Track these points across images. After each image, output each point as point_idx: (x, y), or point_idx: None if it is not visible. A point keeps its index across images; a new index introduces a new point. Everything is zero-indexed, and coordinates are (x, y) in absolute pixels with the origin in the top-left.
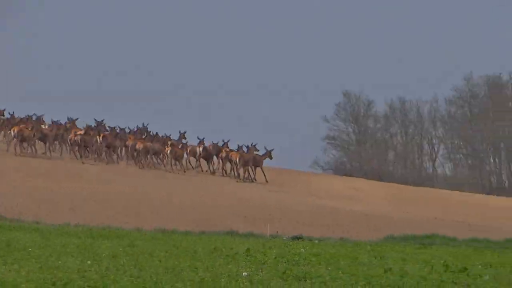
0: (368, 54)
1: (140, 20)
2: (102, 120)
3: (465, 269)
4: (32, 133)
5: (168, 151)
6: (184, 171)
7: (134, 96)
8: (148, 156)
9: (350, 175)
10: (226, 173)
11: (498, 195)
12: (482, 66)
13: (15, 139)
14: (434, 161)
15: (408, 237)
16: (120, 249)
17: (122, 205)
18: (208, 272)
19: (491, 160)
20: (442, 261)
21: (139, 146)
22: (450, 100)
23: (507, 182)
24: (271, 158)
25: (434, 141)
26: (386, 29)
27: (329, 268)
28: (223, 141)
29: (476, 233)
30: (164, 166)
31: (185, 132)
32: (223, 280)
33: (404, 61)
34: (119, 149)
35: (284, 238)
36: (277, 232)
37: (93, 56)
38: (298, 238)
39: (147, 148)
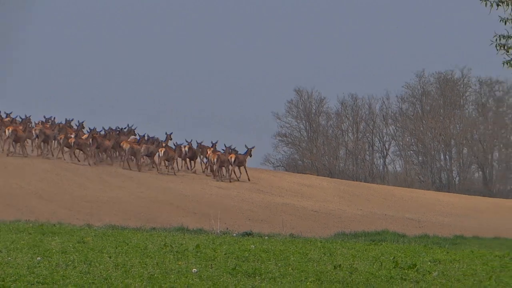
0: (320, 51)
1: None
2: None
3: (414, 265)
4: (25, 134)
5: (162, 152)
6: (175, 173)
7: None
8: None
9: (302, 172)
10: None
11: (448, 191)
12: (433, 63)
13: (9, 138)
14: (385, 158)
15: (359, 234)
16: (70, 245)
17: (72, 202)
18: (158, 268)
19: (442, 157)
20: (391, 258)
21: (137, 147)
22: (402, 97)
23: (457, 179)
24: (251, 156)
25: (385, 138)
26: (338, 26)
27: (279, 264)
28: (211, 142)
29: (426, 230)
30: (157, 167)
31: (171, 133)
32: (172, 276)
33: (356, 58)
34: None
35: (234, 235)
36: (227, 228)
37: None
38: (248, 234)
39: (145, 149)
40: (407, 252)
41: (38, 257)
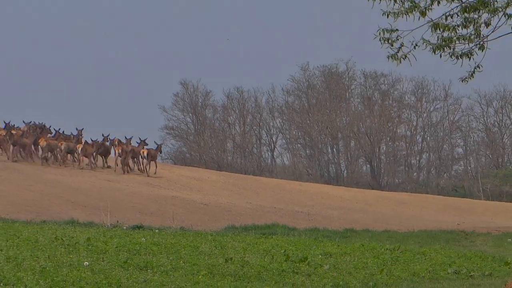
0: (205, 43)
1: None
2: None
3: (306, 258)
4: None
5: (79, 149)
6: (92, 168)
7: None
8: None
9: (190, 165)
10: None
11: (337, 184)
12: (317, 56)
13: None
14: (273, 151)
15: (249, 227)
16: None
17: None
18: (50, 262)
19: (329, 150)
20: (282, 251)
21: (55, 143)
22: (288, 90)
23: (345, 172)
24: (161, 152)
25: (272, 131)
26: (223, 19)
27: (171, 258)
28: (125, 137)
29: (315, 223)
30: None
31: (82, 129)
32: (64, 269)
33: (240, 50)
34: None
35: (124, 228)
36: (117, 221)
37: None
38: (138, 227)
39: (65, 146)
40: (297, 245)
41: None
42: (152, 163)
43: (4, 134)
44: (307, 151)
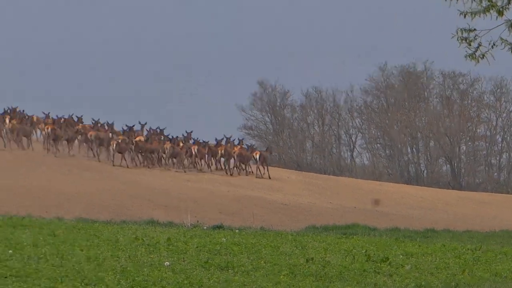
0: (283, 43)
1: None
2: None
3: (387, 258)
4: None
5: (235, 154)
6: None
7: None
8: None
9: (269, 165)
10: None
11: (417, 184)
12: (395, 56)
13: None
14: (352, 151)
15: (329, 227)
16: (41, 238)
17: (40, 194)
18: (131, 262)
19: (409, 150)
20: (363, 251)
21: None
22: (366, 90)
23: (425, 172)
24: (271, 153)
25: (351, 131)
26: (300, 18)
27: (251, 258)
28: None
29: (396, 223)
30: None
31: (145, 123)
32: (145, 269)
33: (318, 50)
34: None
35: (205, 228)
36: (197, 221)
37: None
38: (218, 227)
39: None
40: (378, 246)
41: (9, 250)
42: (262, 165)
43: (126, 140)
44: (387, 151)
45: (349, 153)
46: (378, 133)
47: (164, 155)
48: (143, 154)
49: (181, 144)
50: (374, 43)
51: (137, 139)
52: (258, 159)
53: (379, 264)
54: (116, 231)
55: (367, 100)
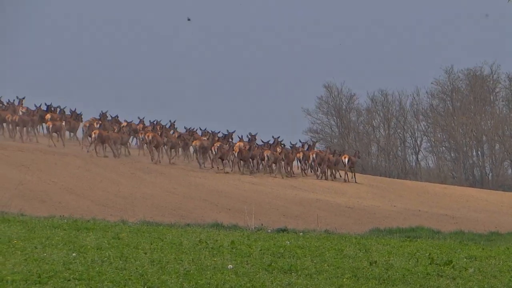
0: (349, 46)
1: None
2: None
3: (450, 262)
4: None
5: (314, 156)
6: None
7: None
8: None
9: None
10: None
11: (482, 188)
12: (461, 59)
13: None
14: (417, 154)
15: (393, 230)
16: (105, 241)
17: (104, 197)
18: (194, 265)
19: (474, 153)
20: (427, 254)
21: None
22: (432, 93)
23: (490, 174)
24: (359, 157)
25: (416, 134)
26: (367, 22)
27: (315, 261)
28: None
29: (460, 226)
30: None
31: (234, 131)
32: (208, 272)
33: (383, 54)
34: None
35: (269, 231)
36: (261, 224)
37: None
38: (282, 230)
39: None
40: (442, 249)
41: (73, 253)
42: (350, 170)
43: (227, 147)
44: (452, 154)
45: (414, 156)
46: (444, 136)
47: (264, 162)
48: (245, 161)
49: (278, 150)
50: (440, 46)
51: (237, 146)
52: (346, 163)
53: (442, 267)
54: (180, 234)
55: (433, 103)
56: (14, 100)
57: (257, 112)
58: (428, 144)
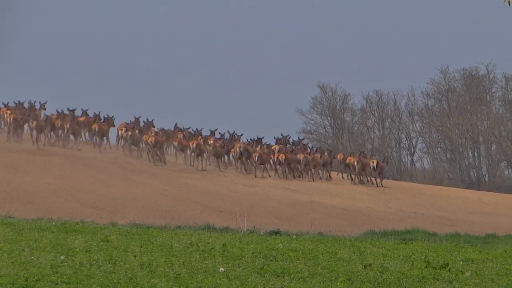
0: (343, 46)
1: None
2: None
3: (447, 265)
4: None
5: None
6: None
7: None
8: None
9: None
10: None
11: (478, 189)
12: (457, 59)
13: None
14: (412, 155)
15: (388, 233)
16: (94, 244)
17: (94, 199)
18: (184, 268)
19: (470, 154)
20: (423, 257)
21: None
22: (427, 93)
23: (487, 176)
24: (387, 163)
25: (412, 135)
26: (362, 22)
27: (308, 264)
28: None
29: (457, 228)
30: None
31: (263, 137)
32: (199, 275)
33: (378, 53)
34: None
35: (261, 233)
36: (253, 227)
37: None
38: (275, 233)
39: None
40: (438, 251)
41: (61, 256)
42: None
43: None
44: (448, 155)
45: (409, 157)
46: (439, 137)
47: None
48: (289, 165)
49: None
50: (435, 46)
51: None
52: (375, 167)
53: (438, 271)
54: (170, 236)
55: (428, 103)
56: (34, 102)
57: (250, 112)
58: (424, 144)
